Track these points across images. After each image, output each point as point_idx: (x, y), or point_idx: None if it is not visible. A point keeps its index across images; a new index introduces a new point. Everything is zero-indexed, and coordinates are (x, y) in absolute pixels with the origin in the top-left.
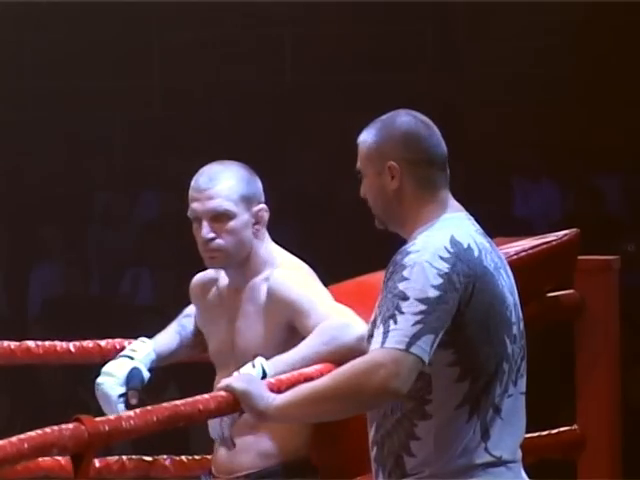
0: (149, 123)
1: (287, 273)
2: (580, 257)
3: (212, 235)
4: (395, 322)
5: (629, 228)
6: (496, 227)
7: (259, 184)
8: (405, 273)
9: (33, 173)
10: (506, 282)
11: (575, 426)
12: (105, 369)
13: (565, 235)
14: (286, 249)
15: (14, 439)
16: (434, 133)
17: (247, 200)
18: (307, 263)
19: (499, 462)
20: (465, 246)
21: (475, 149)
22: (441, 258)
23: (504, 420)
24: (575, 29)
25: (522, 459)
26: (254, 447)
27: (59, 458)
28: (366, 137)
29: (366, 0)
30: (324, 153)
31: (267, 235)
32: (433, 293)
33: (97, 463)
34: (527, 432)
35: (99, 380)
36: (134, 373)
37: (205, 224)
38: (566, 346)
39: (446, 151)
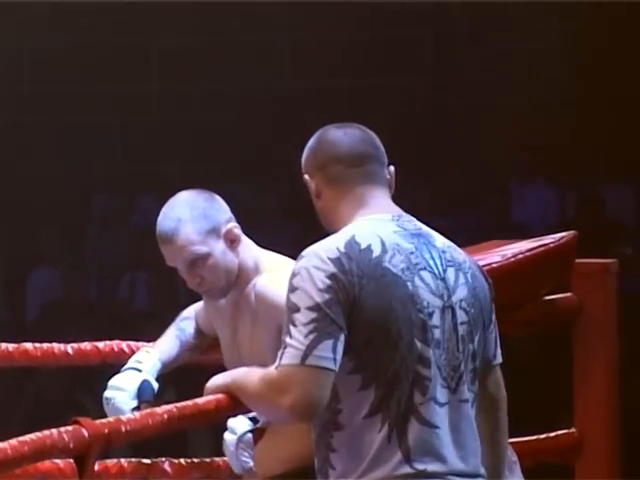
0: (147, 127)
1: (270, 277)
2: (578, 260)
3: (197, 280)
4: (290, 336)
5: (627, 231)
6: (494, 231)
7: (219, 205)
8: (294, 282)
9: (31, 177)
10: (430, 284)
11: (573, 429)
12: (113, 383)
13: (562, 237)
14: (284, 251)
15: (14, 442)
16: (349, 134)
17: (213, 231)
18: None
19: (421, 475)
20: (363, 246)
21: (474, 153)
22: (329, 259)
23: (439, 429)
24: (574, 32)
25: (518, 463)
26: (272, 454)
27: (57, 461)
28: None
29: (366, 3)
30: None
31: (248, 242)
32: (322, 297)
33: (96, 466)
34: (525, 435)
35: (108, 395)
36: (144, 386)
37: (186, 272)
38: (564, 349)
39: (368, 149)
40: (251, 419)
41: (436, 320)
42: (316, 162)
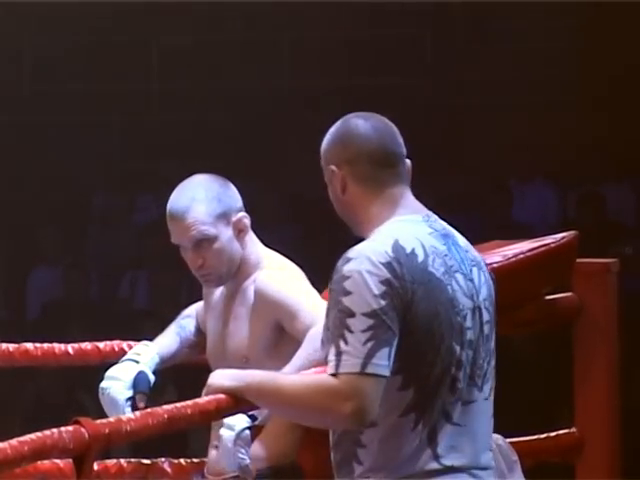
0: (147, 126)
1: (272, 273)
2: (579, 260)
3: (200, 262)
4: (346, 342)
5: (628, 231)
6: (495, 231)
7: (232, 193)
8: (347, 285)
9: (31, 176)
10: (463, 287)
11: (574, 429)
12: (110, 373)
13: (563, 237)
14: (284, 252)
15: (14, 442)
16: (379, 129)
17: (224, 216)
18: (305, 266)
19: (450, 470)
20: (408, 251)
21: (474, 152)
22: (381, 264)
23: (463, 426)
24: (575, 32)
25: (518, 461)
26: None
27: (57, 461)
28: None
29: (366, 3)
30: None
31: (254, 238)
32: (378, 304)
33: (95, 466)
34: (526, 435)
35: (104, 385)
36: (140, 377)
37: (190, 252)
38: (564, 349)
39: (397, 148)
40: (249, 416)
41: (469, 322)
42: (345, 155)
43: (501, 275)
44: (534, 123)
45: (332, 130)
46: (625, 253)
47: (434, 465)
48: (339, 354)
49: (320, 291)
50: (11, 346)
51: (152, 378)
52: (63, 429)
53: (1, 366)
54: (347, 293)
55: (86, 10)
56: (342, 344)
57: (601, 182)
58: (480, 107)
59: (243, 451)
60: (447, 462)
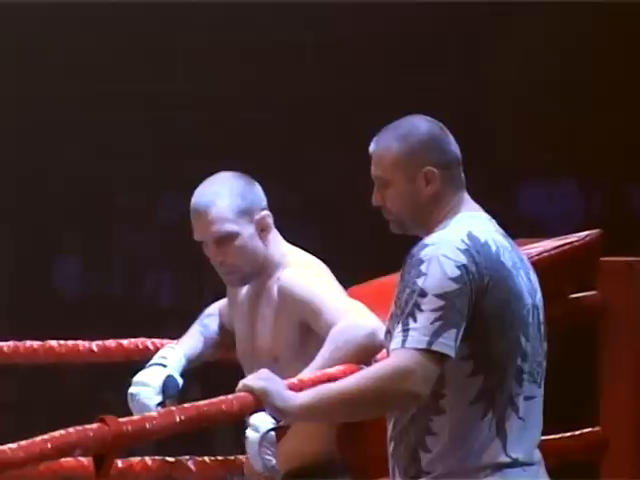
0: (171, 125)
1: (295, 271)
2: (603, 258)
3: (221, 258)
4: (415, 320)
5: None
6: (518, 228)
7: (257, 191)
8: (422, 268)
9: (56, 175)
10: (525, 283)
11: (598, 428)
12: (138, 379)
13: (587, 236)
14: (306, 251)
15: (38, 439)
16: (449, 134)
17: (247, 213)
18: (328, 265)
19: (515, 464)
20: (482, 241)
21: (497, 151)
22: (458, 249)
23: (525, 421)
24: (596, 31)
25: (543, 460)
26: (279, 450)
27: (82, 459)
28: (389, 144)
29: (384, 4)
30: (344, 156)
31: (278, 236)
32: (451, 287)
33: (120, 464)
34: (549, 433)
35: (133, 390)
36: (169, 381)
37: (212, 248)
38: (588, 348)
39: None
40: (274, 417)
41: (530, 317)
42: (440, 159)
43: None
44: (557, 121)
45: (412, 131)
46: None
47: (503, 457)
48: (406, 330)
49: (345, 288)
50: (35, 343)
51: (181, 382)
52: (87, 427)
53: (26, 363)
54: (422, 275)
55: (111, 10)
56: (411, 321)
57: (625, 181)
58: (501, 106)
59: (269, 452)
60: (513, 455)
